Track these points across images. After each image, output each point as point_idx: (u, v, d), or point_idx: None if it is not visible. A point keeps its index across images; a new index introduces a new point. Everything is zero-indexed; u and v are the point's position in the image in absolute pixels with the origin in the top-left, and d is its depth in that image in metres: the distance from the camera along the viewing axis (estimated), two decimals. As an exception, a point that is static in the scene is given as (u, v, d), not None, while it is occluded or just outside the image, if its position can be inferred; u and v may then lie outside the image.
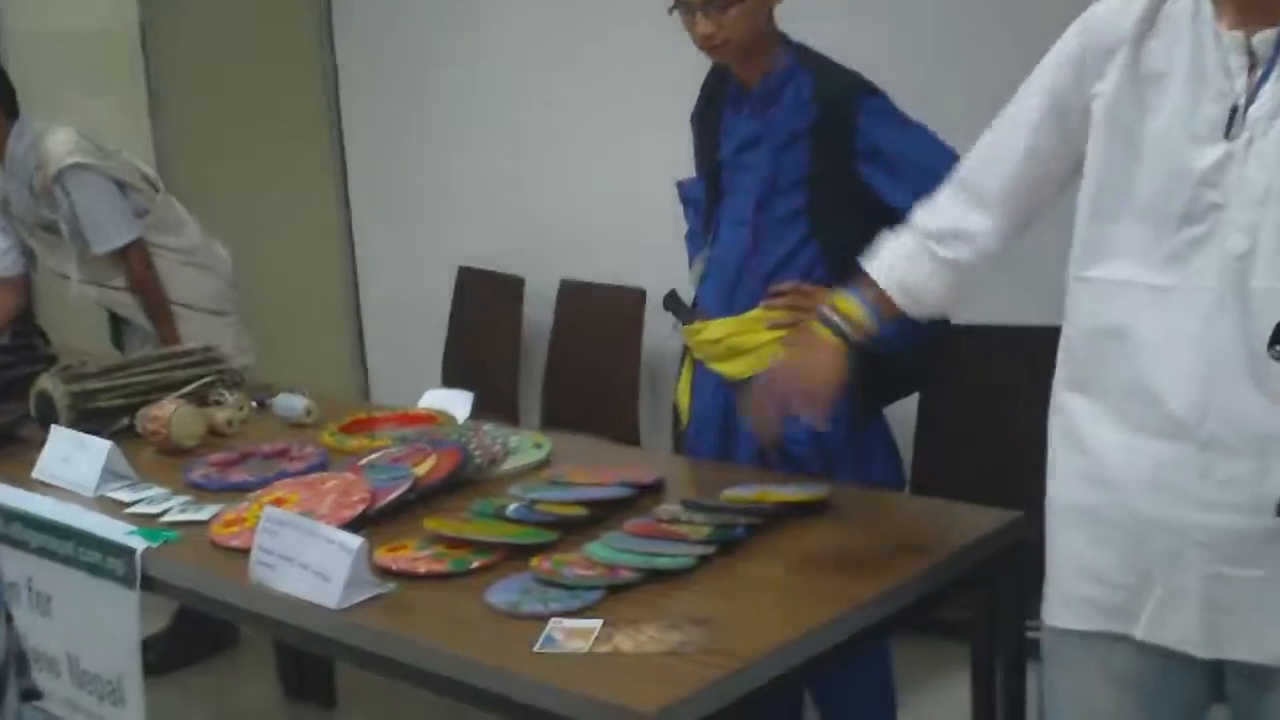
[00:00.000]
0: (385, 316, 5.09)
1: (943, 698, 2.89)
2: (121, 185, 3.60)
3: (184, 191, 3.99)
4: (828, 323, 1.98)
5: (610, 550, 2.01)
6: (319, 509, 2.26)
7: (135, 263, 3.61)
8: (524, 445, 2.64)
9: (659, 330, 3.85)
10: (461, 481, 2.44)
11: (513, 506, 2.21)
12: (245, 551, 2.12)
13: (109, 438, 2.77)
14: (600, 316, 4.06)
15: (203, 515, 2.37)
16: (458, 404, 3.01)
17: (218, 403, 3.04)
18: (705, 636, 1.78)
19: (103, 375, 2.98)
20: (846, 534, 2.13)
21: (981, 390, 3.00)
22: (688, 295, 2.60)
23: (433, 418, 2.91)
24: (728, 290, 2.48)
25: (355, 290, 5.11)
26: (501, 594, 1.92)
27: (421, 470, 2.43)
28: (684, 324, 2.56)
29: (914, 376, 2.52)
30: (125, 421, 2.91)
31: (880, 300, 1.94)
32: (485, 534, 2.10)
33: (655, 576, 1.96)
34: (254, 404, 3.11)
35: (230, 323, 3.74)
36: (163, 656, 3.65)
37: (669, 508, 2.19)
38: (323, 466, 2.61)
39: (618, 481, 2.31)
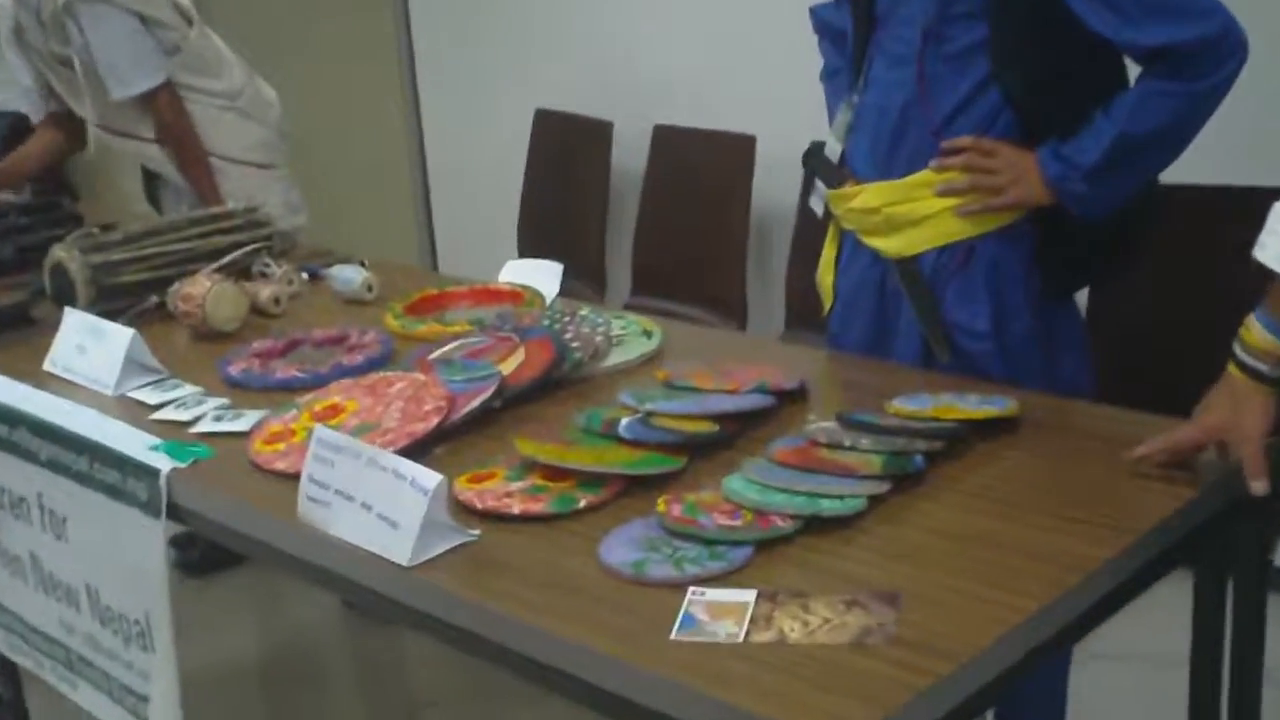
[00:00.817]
0: (453, 173, 4.65)
1: (1152, 632, 2.37)
2: (145, 19, 3.14)
3: (225, 25, 3.51)
4: (1244, 367, 1.58)
5: (757, 487, 1.59)
6: (384, 420, 1.85)
7: (164, 110, 3.17)
8: (629, 334, 2.20)
9: (772, 185, 3.38)
10: (557, 381, 2.01)
11: (626, 421, 1.78)
12: (294, 477, 1.72)
13: (134, 320, 2.37)
14: (702, 168, 3.59)
15: (242, 425, 1.96)
16: (545, 277, 2.57)
17: (263, 275, 2.63)
18: (893, 618, 1.35)
19: (128, 244, 2.56)
20: (1054, 463, 1.69)
21: (1177, 265, 2.50)
22: (832, 150, 2.12)
23: (516, 294, 2.47)
24: (886, 146, 2.00)
25: (420, 140, 4.65)
26: (620, 549, 1.50)
27: (508, 367, 2.00)
28: (830, 187, 2.08)
29: (1119, 249, 2.03)
30: (154, 300, 2.50)
31: None
32: (594, 461, 1.67)
33: (816, 524, 1.53)
34: (304, 275, 2.69)
35: (279, 177, 3.31)
36: (206, 554, 3.31)
37: (824, 425, 1.75)
38: (386, 359, 2.19)
39: (753, 386, 1.88)
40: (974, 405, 1.77)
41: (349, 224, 3.59)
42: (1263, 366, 1.56)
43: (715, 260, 3.50)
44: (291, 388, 2.10)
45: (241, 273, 2.60)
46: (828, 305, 2.17)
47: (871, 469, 1.61)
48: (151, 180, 3.40)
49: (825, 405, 1.89)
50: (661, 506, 1.56)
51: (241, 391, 2.13)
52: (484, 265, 4.07)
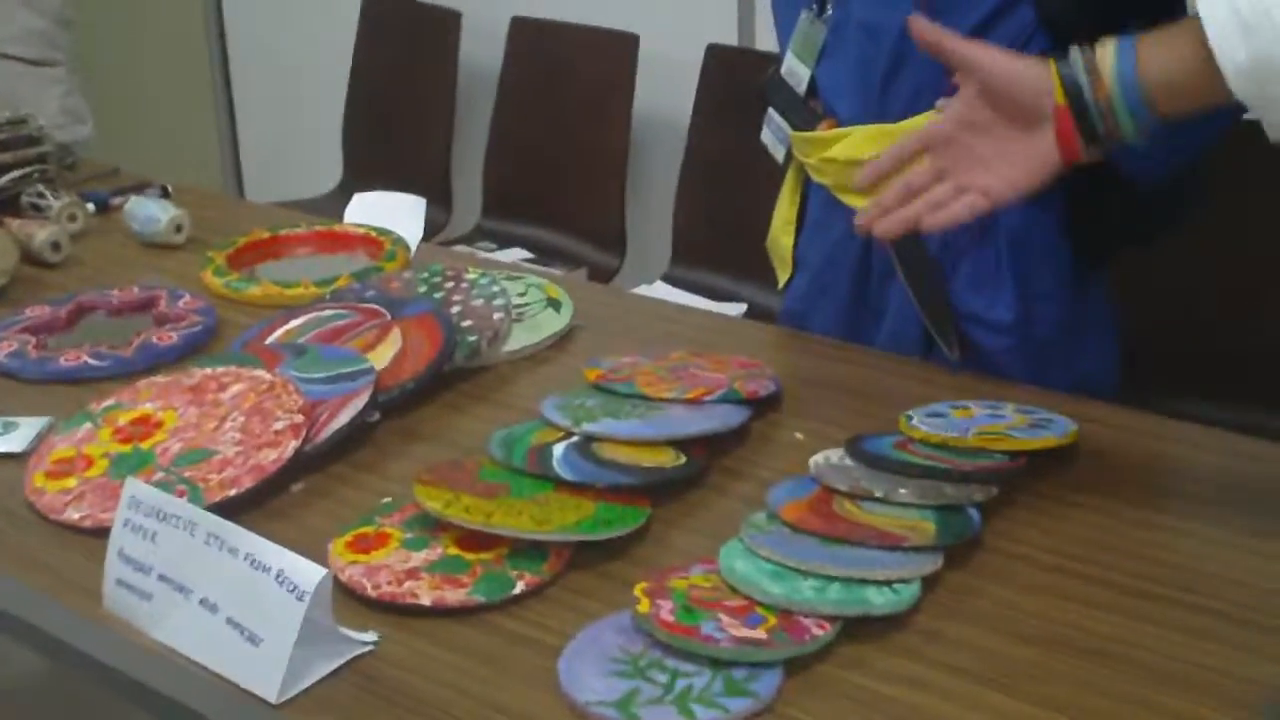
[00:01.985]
0: (262, 73, 4.04)
1: None
2: None
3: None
4: (1069, 83, 1.21)
5: (773, 570, 1.15)
6: (218, 443, 1.36)
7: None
8: (532, 304, 1.73)
9: (658, 93, 2.91)
10: (445, 375, 1.54)
11: (560, 451, 1.33)
12: (96, 534, 1.23)
13: None
14: (571, 70, 3.09)
15: (12, 444, 1.43)
16: (404, 217, 2.07)
17: (35, 209, 2.07)
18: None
19: None
20: (1140, 512, 1.30)
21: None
22: (795, 76, 1.66)
23: (371, 240, 1.98)
24: (878, 78, 1.55)
25: (221, 31, 4.02)
26: (591, 676, 1.05)
27: (380, 358, 1.53)
28: (796, 127, 1.63)
29: (1168, 212, 1.63)
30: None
31: (1179, 64, 1.17)
32: (533, 525, 1.21)
33: (855, 624, 1.11)
34: (90, 208, 2.13)
35: (58, 77, 2.70)
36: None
37: (831, 460, 1.32)
38: (209, 336, 1.68)
39: (721, 393, 1.44)
40: (1026, 431, 1.36)
41: (134, 134, 2.99)
42: (1095, 104, 1.20)
43: (587, 181, 3.03)
44: (82, 380, 1.58)
45: (8, 208, 2.04)
46: (785, 276, 1.74)
47: (923, 536, 1.18)
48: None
49: (805, 413, 1.47)
50: (644, 604, 1.11)
51: (11, 384, 1.60)
52: (300, 186, 3.55)
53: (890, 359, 1.60)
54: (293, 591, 1.03)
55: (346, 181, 3.53)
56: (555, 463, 1.30)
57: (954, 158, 1.30)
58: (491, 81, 3.22)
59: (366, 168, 3.45)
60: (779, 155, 1.67)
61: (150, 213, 2.02)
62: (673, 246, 2.91)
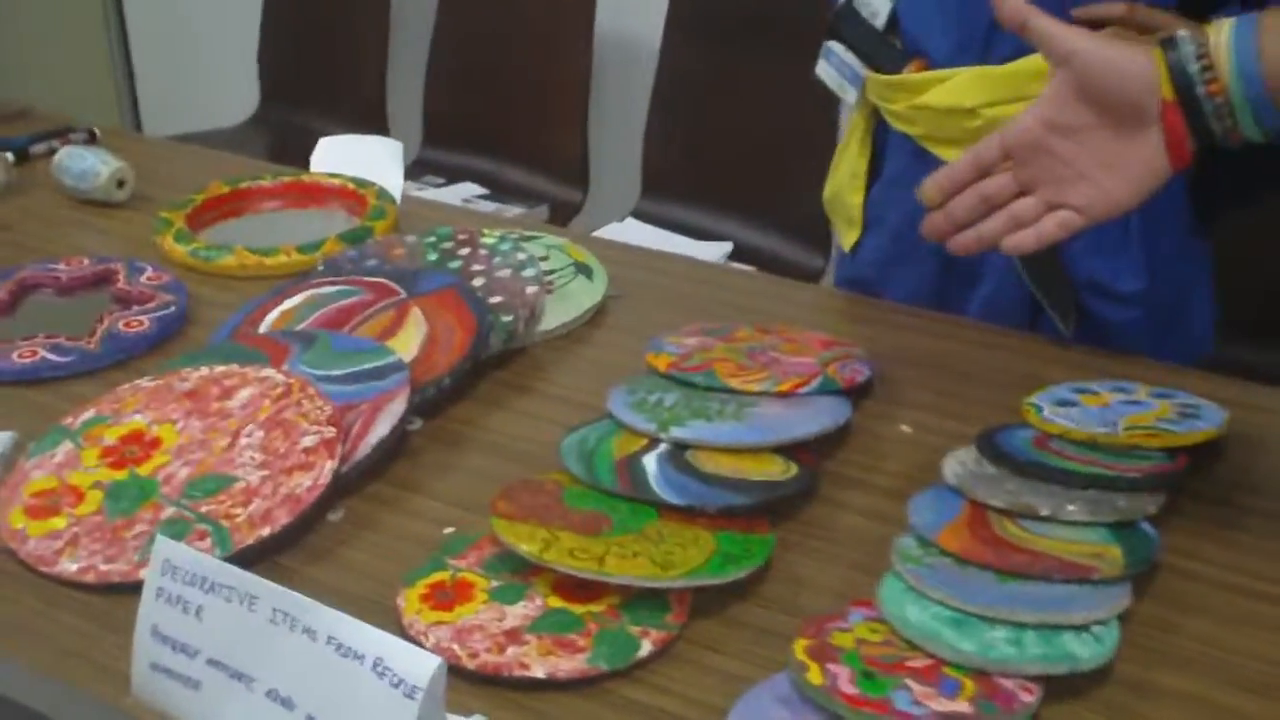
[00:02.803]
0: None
1: None
2: None
3: None
4: (1179, 76, 1.05)
5: (952, 616, 0.98)
6: (237, 467, 1.15)
7: None
8: (559, 270, 1.53)
9: (622, 11, 2.69)
10: (481, 364, 1.35)
11: (654, 464, 1.14)
12: (99, 590, 1.02)
13: None
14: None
15: (-26, 471, 1.21)
16: (382, 164, 1.85)
17: (-53, 163, 1.81)
18: None
19: None
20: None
21: None
22: (873, 8, 1.46)
23: (351, 194, 1.76)
24: (982, 15, 1.36)
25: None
26: (769, 770, 0.87)
27: (404, 346, 1.32)
28: (876, 67, 1.44)
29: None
30: None
31: None
32: (648, 564, 1.02)
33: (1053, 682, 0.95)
34: (9, 157, 1.88)
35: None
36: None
37: (971, 468, 1.15)
38: (181, 320, 1.46)
39: (817, 383, 1.26)
40: (1178, 423, 1.20)
41: (12, 61, 2.66)
42: (1209, 101, 1.05)
43: (543, 107, 2.81)
44: (41, 380, 1.35)
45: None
46: (853, 236, 1.55)
47: (1111, 564, 1.02)
48: None
49: (902, 399, 1.30)
50: (813, 671, 0.93)
51: (-47, 386, 1.37)
52: (207, 116, 3.27)
53: (989, 331, 1.43)
54: (399, 686, 0.84)
55: (264, 110, 3.27)
56: (653, 481, 1.12)
57: (1042, 167, 1.12)
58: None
59: (288, 94, 3.19)
60: (847, 96, 1.48)
61: (87, 165, 1.78)
62: (642, 179, 2.71)
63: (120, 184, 1.78)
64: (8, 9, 3.19)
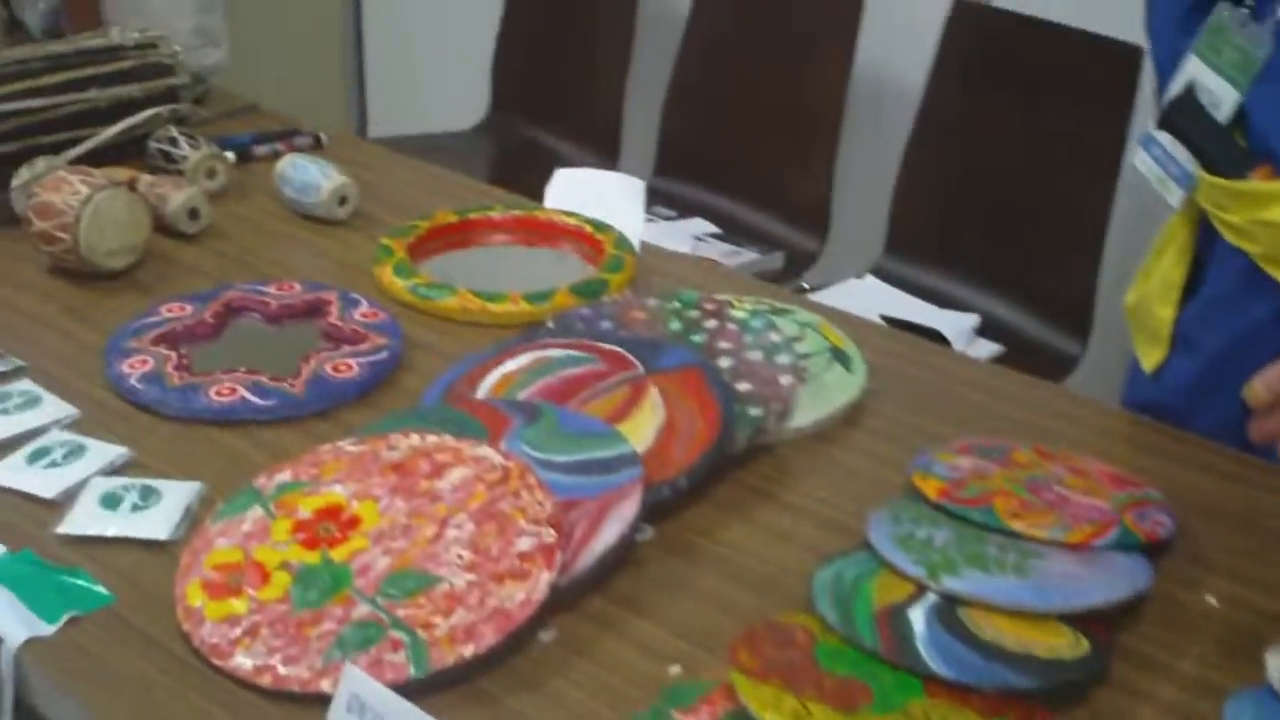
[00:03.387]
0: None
1: None
2: None
3: None
4: None
5: None
6: (440, 564, 1.01)
7: None
8: (812, 353, 1.37)
9: (880, 57, 2.52)
10: (724, 463, 1.20)
11: (921, 621, 0.98)
12: (274, 697, 0.89)
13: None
14: (778, 13, 2.70)
15: (156, 528, 1.10)
16: (620, 203, 1.72)
17: (168, 160, 1.73)
18: None
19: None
20: None
21: None
22: (1216, 99, 1.27)
23: (585, 236, 1.63)
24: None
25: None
26: None
27: (638, 432, 1.18)
28: (1211, 167, 1.25)
29: None
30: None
31: None
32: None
33: None
34: (230, 157, 1.79)
35: None
36: None
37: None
38: (394, 364, 1.34)
39: (1114, 535, 1.08)
40: None
41: (246, 57, 2.59)
42: None
43: (787, 145, 2.65)
44: (239, 422, 1.24)
45: (127, 151, 1.71)
46: (1157, 355, 1.36)
47: None
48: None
49: (1206, 559, 1.12)
50: None
51: (144, 418, 1.26)
52: (433, 119, 3.19)
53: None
54: None
55: (493, 118, 3.17)
56: (920, 644, 0.95)
57: None
58: (679, 16, 2.83)
59: (519, 104, 3.09)
60: (1171, 197, 1.29)
61: (309, 178, 1.68)
62: (888, 234, 2.53)
63: (342, 201, 1.67)
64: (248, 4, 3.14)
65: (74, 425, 1.24)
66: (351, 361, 1.32)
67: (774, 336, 1.33)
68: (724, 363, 1.29)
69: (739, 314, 1.37)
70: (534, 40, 3.10)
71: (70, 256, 1.49)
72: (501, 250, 1.65)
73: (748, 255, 2.54)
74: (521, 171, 2.95)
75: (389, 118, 3.71)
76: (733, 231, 2.62)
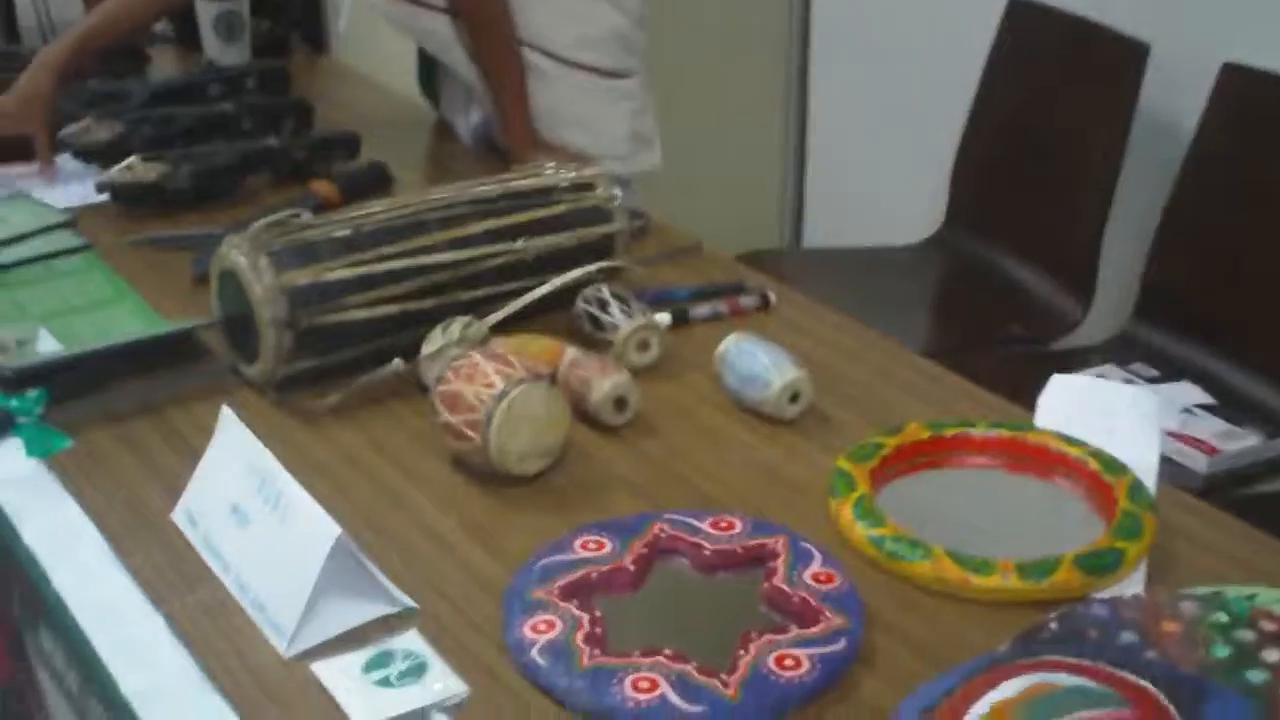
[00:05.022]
0: (840, 99, 3.45)
1: None
2: None
3: None
4: None
5: None
6: None
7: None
8: None
9: None
10: None
11: None
12: None
13: (349, 397, 1.34)
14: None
15: None
16: (1129, 428, 1.41)
17: (595, 324, 1.54)
18: None
19: (350, 247, 1.48)
20: None
21: None
22: None
23: (1087, 472, 1.33)
24: None
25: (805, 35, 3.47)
26: None
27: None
28: None
29: None
30: (396, 366, 1.44)
31: None
32: None
33: None
34: (664, 323, 1.58)
35: (630, 91, 2.17)
36: None
37: None
38: (852, 655, 1.08)
39: None
40: None
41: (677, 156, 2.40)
42: None
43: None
44: (657, 734, 1.01)
45: (570, 333, 1.53)
46: None
47: None
48: (430, 69, 2.32)
49: None
50: None
51: (545, 699, 1.05)
52: (871, 231, 2.96)
53: None
54: None
55: (941, 235, 2.90)
56: None
57: None
58: (1179, 141, 2.48)
59: (977, 222, 2.81)
60: None
61: (756, 370, 1.45)
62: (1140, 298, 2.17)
63: (794, 398, 1.43)
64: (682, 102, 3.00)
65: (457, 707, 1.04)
66: (800, 654, 1.08)
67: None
68: (1296, 724, 0.97)
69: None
70: (1001, 153, 2.81)
71: (477, 457, 1.30)
72: (981, 476, 1.37)
73: (1249, 439, 2.17)
74: (975, 292, 2.68)
75: (825, 228, 3.50)
76: (1230, 404, 2.25)
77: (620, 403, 1.42)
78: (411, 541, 1.25)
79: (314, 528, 1.12)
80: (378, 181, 2.00)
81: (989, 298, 2.70)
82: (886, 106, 3.29)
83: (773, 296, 1.70)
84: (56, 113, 2.04)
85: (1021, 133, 2.77)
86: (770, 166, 3.56)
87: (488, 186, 1.60)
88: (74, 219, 1.90)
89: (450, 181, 2.06)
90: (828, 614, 1.13)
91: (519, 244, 1.56)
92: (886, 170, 3.32)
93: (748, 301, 1.69)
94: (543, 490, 1.32)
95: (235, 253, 1.43)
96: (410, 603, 1.15)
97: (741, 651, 1.08)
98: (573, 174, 1.65)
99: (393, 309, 1.47)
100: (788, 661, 1.08)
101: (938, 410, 1.47)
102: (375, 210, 1.52)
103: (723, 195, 3.27)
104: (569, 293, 1.58)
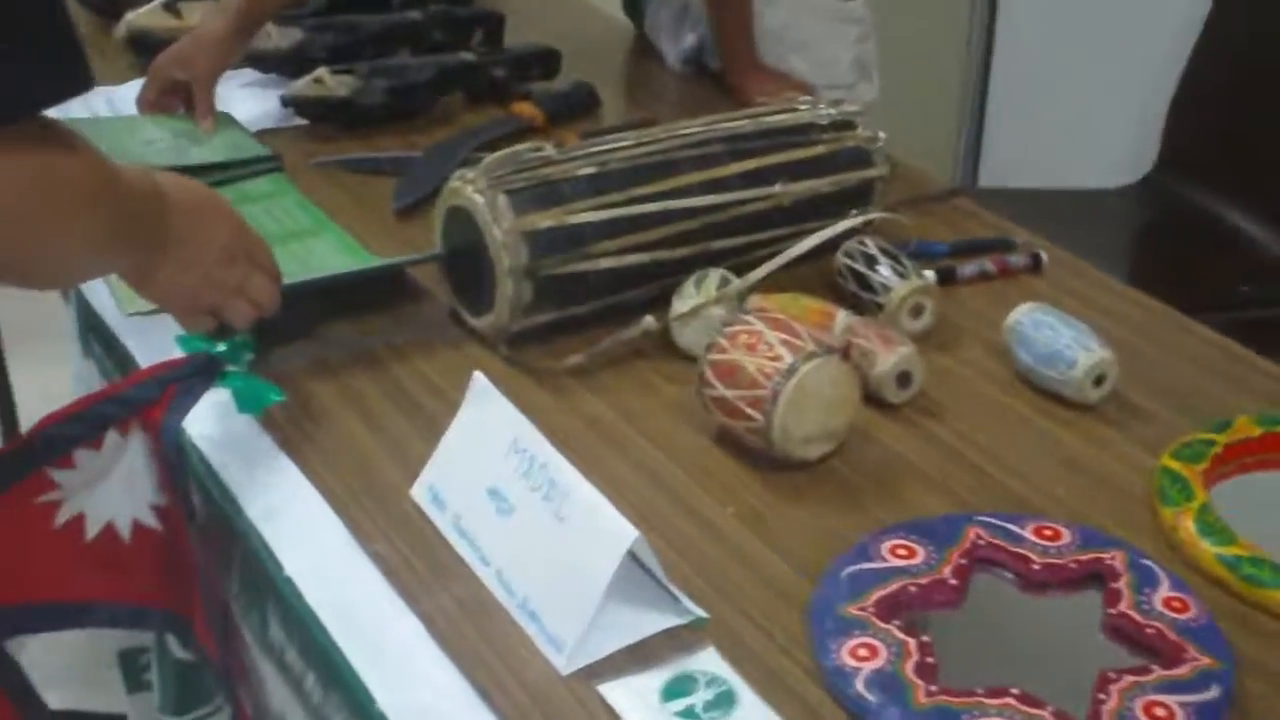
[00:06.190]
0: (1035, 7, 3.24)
1: None
2: None
3: None
4: None
5: None
6: None
7: None
8: None
9: None
10: None
11: None
12: None
13: (596, 357, 1.19)
14: None
15: None
16: None
17: (861, 284, 1.38)
18: None
19: (596, 188, 1.33)
20: None
21: None
22: None
23: None
24: None
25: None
26: None
27: None
28: None
29: None
30: (646, 324, 1.29)
31: None
32: None
33: None
34: (932, 279, 1.42)
35: (858, 13, 1.99)
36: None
37: None
38: (1226, 705, 0.93)
39: None
40: None
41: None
42: None
43: None
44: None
45: (849, 306, 1.37)
46: None
47: None
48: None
49: None
50: None
51: (878, 757, 0.91)
52: (1067, 169, 2.77)
53: None
54: None
55: (1152, 178, 2.70)
56: None
57: None
58: None
59: (1198, 165, 2.61)
60: None
61: (1057, 347, 1.29)
62: None
63: (1098, 381, 1.27)
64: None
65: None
66: (1171, 702, 0.93)
67: None
68: None
69: None
70: (1234, 84, 2.60)
71: (753, 437, 1.16)
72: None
73: None
74: (1194, 247, 2.49)
75: (1005, 167, 3.29)
76: None
77: (904, 378, 1.26)
78: (685, 534, 1.11)
79: (604, 525, 0.98)
80: (584, 104, 1.85)
81: (1211, 253, 2.51)
82: (1087, 25, 3.07)
83: (1044, 256, 1.53)
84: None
85: (1262, 62, 2.54)
86: (946, 91, 3.35)
87: (740, 121, 1.44)
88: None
89: (655, 107, 1.93)
90: (1192, 652, 0.97)
91: (777, 188, 1.40)
92: (1082, 100, 3.11)
93: (1017, 261, 1.52)
94: (824, 477, 1.18)
95: (470, 189, 1.29)
96: (701, 613, 1.01)
97: (1101, 696, 0.93)
98: (832, 110, 1.49)
99: (644, 258, 1.32)
100: (1158, 710, 0.93)
101: (1247, 397, 1.31)
102: (619, 145, 1.37)
103: (892, 124, 3.08)
104: (824, 244, 1.42)
